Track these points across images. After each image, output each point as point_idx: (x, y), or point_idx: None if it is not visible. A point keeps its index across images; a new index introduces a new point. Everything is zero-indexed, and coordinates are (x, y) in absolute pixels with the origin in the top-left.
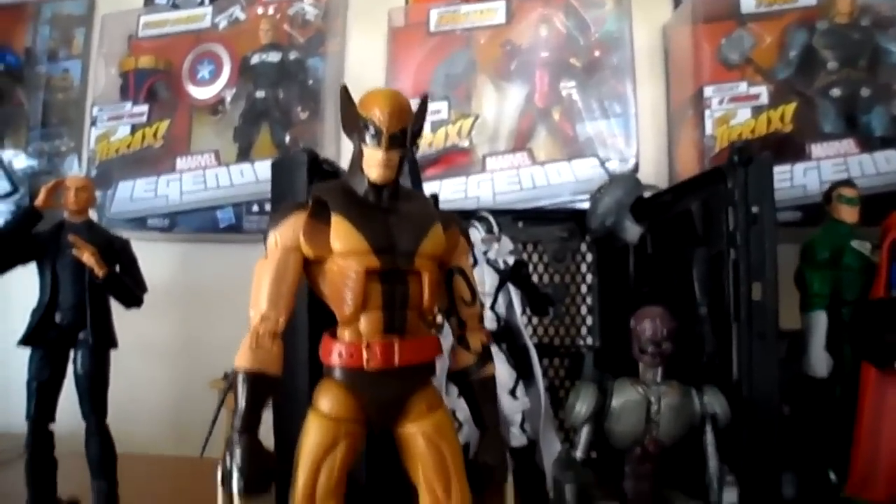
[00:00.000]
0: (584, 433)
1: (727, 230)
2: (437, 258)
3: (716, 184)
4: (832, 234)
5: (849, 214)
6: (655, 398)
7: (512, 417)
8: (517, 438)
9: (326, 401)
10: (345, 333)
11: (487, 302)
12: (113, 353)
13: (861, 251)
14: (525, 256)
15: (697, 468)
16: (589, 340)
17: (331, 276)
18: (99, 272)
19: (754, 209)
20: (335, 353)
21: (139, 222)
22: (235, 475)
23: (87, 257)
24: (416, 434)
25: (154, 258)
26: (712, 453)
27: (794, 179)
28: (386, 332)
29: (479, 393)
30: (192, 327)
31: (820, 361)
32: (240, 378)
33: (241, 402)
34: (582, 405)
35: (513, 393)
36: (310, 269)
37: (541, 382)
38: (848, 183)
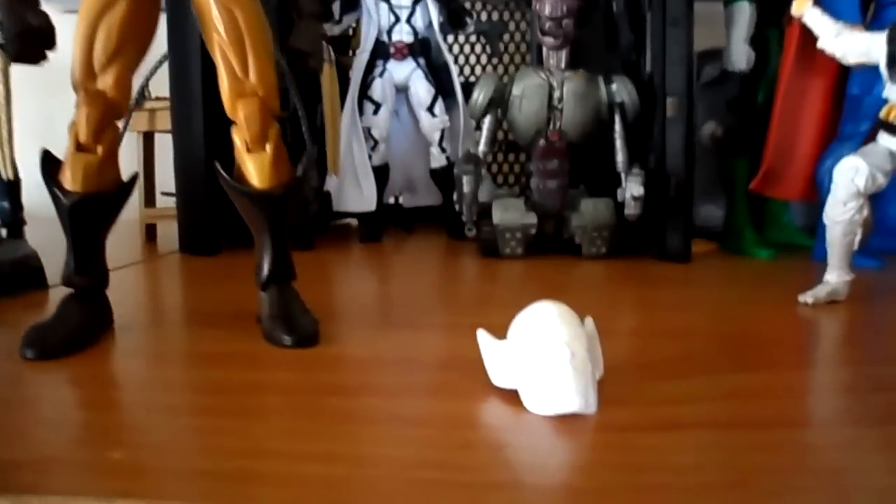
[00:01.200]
0: (486, 125)
1: None
2: None
3: None
4: None
5: None
6: (558, 83)
7: (431, 135)
8: (436, 158)
9: None
10: None
11: (404, 15)
12: None
13: None
14: None
15: (608, 171)
16: None
17: None
18: None
19: None
20: None
21: None
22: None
23: None
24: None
25: None
26: (620, 146)
27: None
28: None
29: None
30: None
31: (740, 54)
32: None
33: None
34: (480, 93)
35: (431, 110)
36: None
37: (461, 101)
38: None
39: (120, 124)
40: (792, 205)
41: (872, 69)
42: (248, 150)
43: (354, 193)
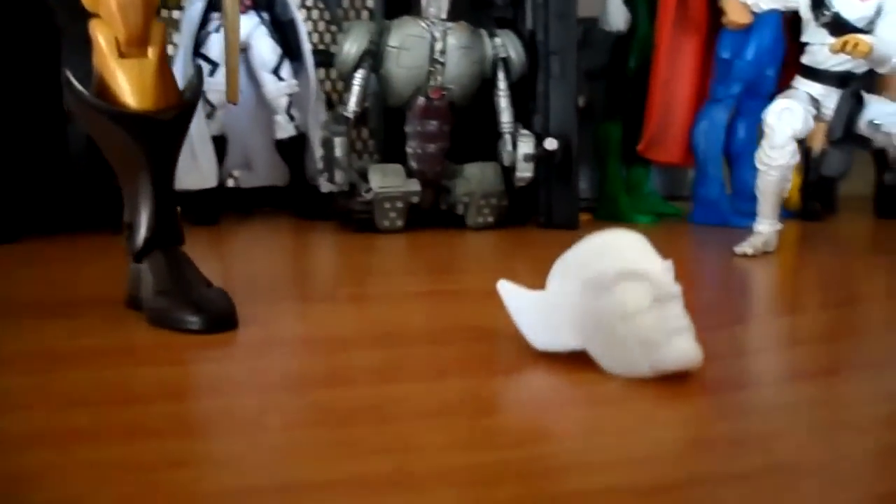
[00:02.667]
0: (357, 80)
1: None
2: None
3: None
4: None
5: None
6: (440, 35)
7: (276, 102)
8: (283, 128)
9: None
10: None
11: None
12: None
13: None
14: None
15: (489, 139)
16: None
17: None
18: None
19: None
20: None
21: None
22: None
23: None
24: None
25: None
26: (506, 105)
27: None
28: None
29: None
30: None
31: (618, 16)
32: None
33: None
34: (353, 44)
35: (277, 72)
36: None
37: (311, 64)
38: None
39: None
40: (653, 174)
41: (740, 33)
42: (121, 54)
43: (189, 168)
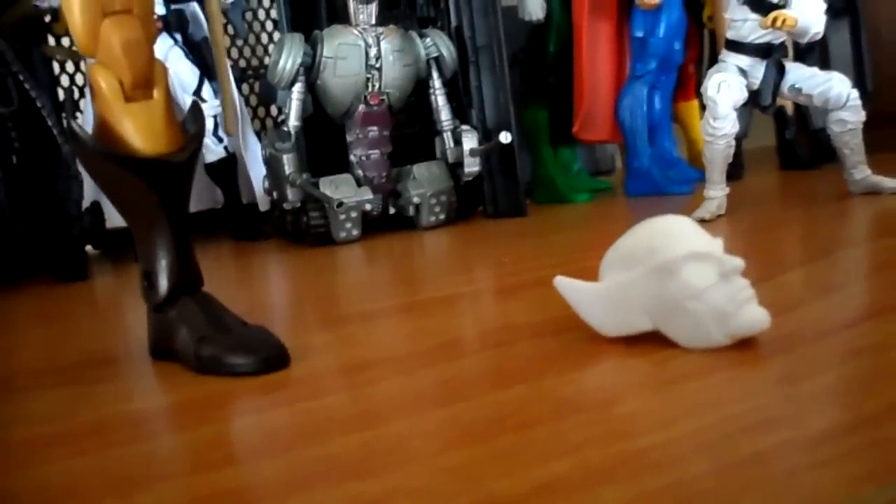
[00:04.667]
0: (295, 95)
1: None
2: None
3: None
4: None
5: None
6: (374, 40)
7: None
8: (212, 151)
9: None
10: None
11: None
12: None
13: None
14: None
15: (428, 138)
16: None
17: None
18: None
19: None
20: None
21: None
22: None
23: None
24: None
25: None
26: (443, 103)
27: None
28: None
29: None
30: None
31: (535, 5)
32: None
33: None
34: (287, 59)
35: (198, 94)
36: None
37: (231, 80)
38: None
39: None
40: (578, 152)
41: (651, 12)
42: (127, 99)
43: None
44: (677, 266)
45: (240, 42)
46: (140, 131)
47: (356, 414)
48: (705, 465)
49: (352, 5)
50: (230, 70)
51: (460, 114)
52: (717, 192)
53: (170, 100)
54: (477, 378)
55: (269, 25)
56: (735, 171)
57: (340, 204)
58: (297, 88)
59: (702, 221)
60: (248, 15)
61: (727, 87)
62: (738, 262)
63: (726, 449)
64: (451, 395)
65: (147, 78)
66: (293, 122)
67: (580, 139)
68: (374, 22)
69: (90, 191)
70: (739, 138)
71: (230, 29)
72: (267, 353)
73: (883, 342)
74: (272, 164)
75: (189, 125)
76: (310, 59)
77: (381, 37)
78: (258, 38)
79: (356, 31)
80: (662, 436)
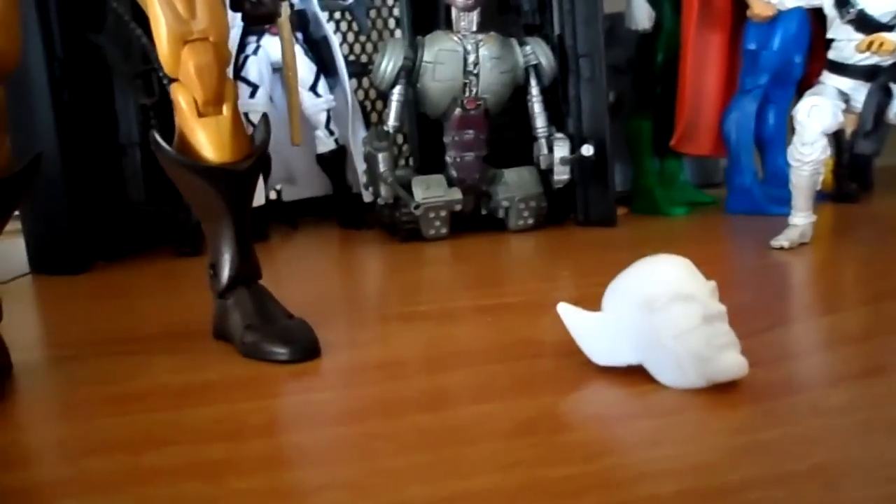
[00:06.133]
0: (395, 97)
1: None
2: None
3: None
4: None
5: None
6: (472, 47)
7: (315, 117)
8: (324, 142)
9: None
10: None
11: None
12: None
13: None
14: None
15: (523, 144)
16: None
17: None
18: None
19: None
20: None
21: None
22: None
23: None
24: None
25: None
26: (539, 110)
27: None
28: None
29: None
30: None
31: (642, 13)
32: None
33: None
34: (388, 62)
35: (314, 89)
36: None
37: (345, 78)
38: None
39: None
40: (686, 164)
41: (766, 25)
42: (200, 114)
43: None
44: (662, 305)
45: (363, 38)
46: (210, 142)
47: (340, 411)
48: (595, 500)
49: (454, 12)
50: (343, 67)
51: (558, 121)
52: (801, 220)
53: (238, 115)
54: (463, 389)
55: (392, 23)
56: (857, 192)
57: (418, 206)
58: (398, 90)
59: (780, 249)
60: (373, 13)
61: (818, 111)
62: (720, 308)
63: (628, 488)
64: (433, 404)
65: (218, 96)
66: (392, 122)
67: (678, 152)
68: (474, 29)
69: None
70: (870, 155)
71: (354, 25)
72: (301, 346)
73: (850, 405)
74: (369, 161)
75: (257, 136)
76: (410, 62)
77: (481, 44)
78: (381, 35)
79: (456, 38)
80: (581, 468)
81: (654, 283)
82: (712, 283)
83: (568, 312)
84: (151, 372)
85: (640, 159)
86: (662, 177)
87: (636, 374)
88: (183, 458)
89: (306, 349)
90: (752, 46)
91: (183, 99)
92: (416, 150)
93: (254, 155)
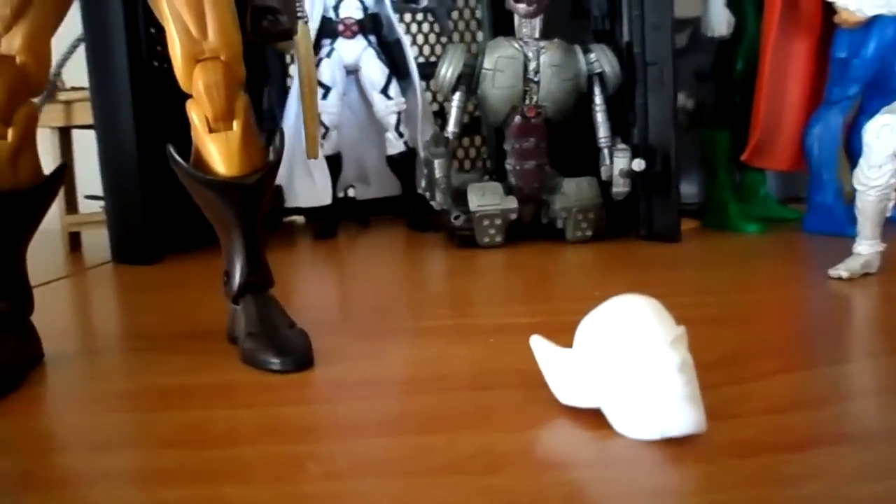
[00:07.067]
0: (455, 102)
1: None
2: None
3: None
4: None
5: None
6: (534, 54)
7: (386, 119)
8: (393, 144)
9: None
10: None
11: None
12: None
13: None
14: None
15: (590, 152)
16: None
17: None
18: None
19: None
20: None
21: None
22: None
23: None
24: None
25: None
26: (602, 120)
27: None
28: None
29: None
30: None
31: (720, 19)
32: None
33: None
34: (449, 67)
35: (385, 92)
36: None
37: (417, 81)
38: None
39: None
40: (769, 177)
41: (858, 32)
42: (210, 129)
43: (307, 186)
44: (627, 350)
45: (433, 39)
46: (220, 156)
47: (291, 428)
48: None
49: (516, 19)
50: (415, 70)
51: (625, 129)
52: (866, 248)
53: (249, 130)
54: (419, 417)
55: (474, 25)
56: None
57: (458, 217)
58: (458, 97)
59: (839, 279)
60: (455, 14)
61: (889, 131)
62: (682, 359)
63: None
64: (381, 430)
65: (227, 113)
66: (451, 128)
67: (751, 166)
68: (537, 36)
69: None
70: None
71: (424, 27)
72: (293, 357)
73: (811, 473)
74: (427, 166)
75: (272, 150)
76: (470, 69)
77: (542, 51)
78: (462, 37)
79: (517, 45)
80: None
81: (620, 327)
82: (681, 329)
83: (539, 346)
84: (159, 371)
85: (715, 171)
86: (741, 190)
87: (600, 418)
88: (144, 460)
89: (298, 361)
90: (842, 55)
91: (195, 115)
92: (494, 154)
93: (263, 169)
